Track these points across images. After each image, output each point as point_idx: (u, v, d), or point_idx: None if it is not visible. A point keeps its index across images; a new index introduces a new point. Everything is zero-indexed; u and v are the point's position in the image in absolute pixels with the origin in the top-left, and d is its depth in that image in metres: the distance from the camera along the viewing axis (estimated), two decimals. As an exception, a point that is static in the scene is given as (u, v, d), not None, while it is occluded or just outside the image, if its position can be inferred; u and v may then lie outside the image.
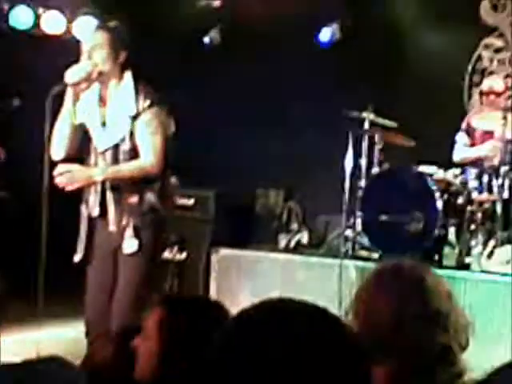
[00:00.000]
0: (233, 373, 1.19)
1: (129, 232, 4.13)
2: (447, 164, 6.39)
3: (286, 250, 6.72)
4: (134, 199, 4.15)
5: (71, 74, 4.08)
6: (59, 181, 4.05)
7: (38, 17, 7.45)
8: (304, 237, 6.85)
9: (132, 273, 4.14)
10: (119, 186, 4.16)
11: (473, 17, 7.42)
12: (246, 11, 7.51)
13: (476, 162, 6.19)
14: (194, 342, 1.95)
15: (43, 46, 7.33)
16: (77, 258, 4.25)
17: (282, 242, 6.80)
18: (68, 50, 4.72)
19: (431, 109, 7.09)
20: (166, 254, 5.91)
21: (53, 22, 7.50)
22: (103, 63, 4.14)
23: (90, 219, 4.26)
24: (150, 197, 4.17)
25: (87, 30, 6.63)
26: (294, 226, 6.98)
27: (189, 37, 7.68)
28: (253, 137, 7.50)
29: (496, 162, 5.98)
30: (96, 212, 4.22)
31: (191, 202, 6.81)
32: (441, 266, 5.73)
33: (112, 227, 4.17)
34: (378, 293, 2.05)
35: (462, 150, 6.42)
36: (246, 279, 6.35)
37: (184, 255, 6.52)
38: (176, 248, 6.42)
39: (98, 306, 4.14)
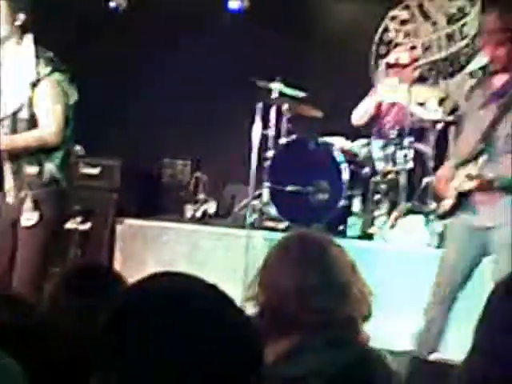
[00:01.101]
0: (115, 351, 1.18)
1: (27, 204, 4.02)
2: (354, 135, 6.45)
3: (193, 220, 6.68)
4: (34, 170, 4.04)
5: None
6: None
7: None
8: (211, 207, 6.81)
9: (31, 246, 4.05)
10: (18, 157, 4.04)
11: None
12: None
13: (381, 134, 6.26)
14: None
15: None
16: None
17: (189, 213, 6.74)
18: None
19: (340, 79, 7.12)
20: (70, 224, 5.78)
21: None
22: None
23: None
24: (51, 167, 4.07)
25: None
26: (201, 196, 6.93)
27: (93, 1, 7.45)
28: (161, 106, 7.39)
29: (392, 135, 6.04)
30: (-7, 183, 4.10)
31: (96, 170, 6.68)
32: (345, 237, 5.80)
33: (10, 199, 4.06)
34: (283, 265, 2.03)
35: (363, 115, 6.41)
36: (151, 249, 6.29)
37: (88, 225, 6.39)
38: (80, 218, 6.29)
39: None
